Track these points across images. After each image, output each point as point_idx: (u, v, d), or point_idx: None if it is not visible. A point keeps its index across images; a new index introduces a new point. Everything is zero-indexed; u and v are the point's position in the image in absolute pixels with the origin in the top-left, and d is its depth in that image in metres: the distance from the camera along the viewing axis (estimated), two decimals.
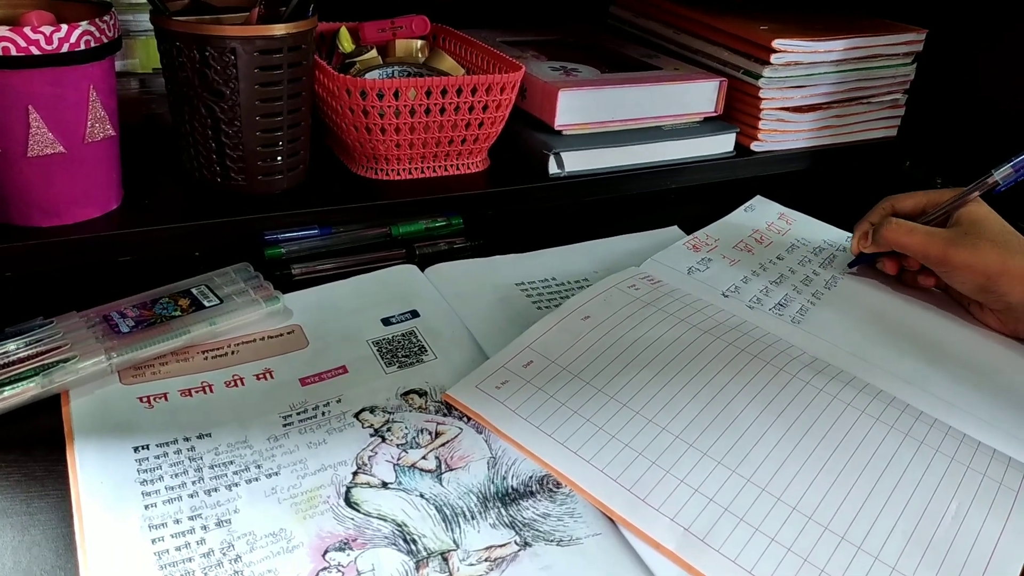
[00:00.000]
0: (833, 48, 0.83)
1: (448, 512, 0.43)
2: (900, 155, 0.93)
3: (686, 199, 0.82)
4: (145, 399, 0.49)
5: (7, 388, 0.46)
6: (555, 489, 0.45)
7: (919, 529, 0.42)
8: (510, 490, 0.45)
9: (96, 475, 0.43)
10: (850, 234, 0.74)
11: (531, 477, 0.45)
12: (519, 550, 0.41)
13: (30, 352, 0.49)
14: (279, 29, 0.62)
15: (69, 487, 0.42)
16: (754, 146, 0.85)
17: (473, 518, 0.43)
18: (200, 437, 0.46)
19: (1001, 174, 0.62)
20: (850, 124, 0.90)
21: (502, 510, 0.43)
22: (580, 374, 0.50)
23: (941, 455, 0.47)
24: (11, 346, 0.49)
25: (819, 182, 0.88)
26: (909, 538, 0.42)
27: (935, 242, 0.60)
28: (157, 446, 0.45)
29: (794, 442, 0.47)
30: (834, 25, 0.86)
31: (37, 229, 0.60)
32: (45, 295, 0.57)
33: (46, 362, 0.48)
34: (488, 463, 0.46)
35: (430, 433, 0.48)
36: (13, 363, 0.48)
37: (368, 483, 0.44)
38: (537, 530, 0.42)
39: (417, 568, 0.40)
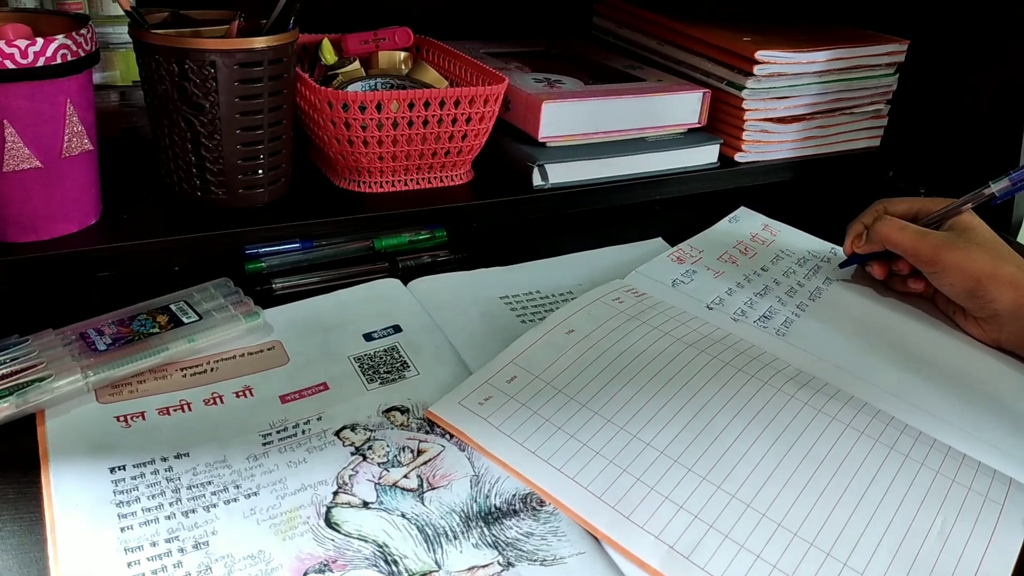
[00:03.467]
0: (816, 59, 0.83)
1: (430, 532, 0.42)
2: (883, 165, 0.94)
3: (670, 210, 0.82)
4: (122, 418, 0.48)
5: None
6: (539, 507, 0.44)
7: (904, 545, 0.42)
8: (493, 509, 0.44)
9: (71, 497, 0.42)
10: (833, 245, 0.75)
11: (514, 495, 0.45)
12: (502, 571, 0.41)
13: (4, 371, 0.48)
14: (259, 42, 0.61)
15: (43, 510, 0.42)
16: (738, 157, 0.85)
17: (455, 538, 0.42)
18: (178, 457, 0.46)
19: (998, 187, 0.62)
20: (833, 135, 0.90)
21: (485, 529, 0.43)
22: (564, 389, 0.50)
23: (926, 468, 0.47)
24: None
25: (803, 193, 0.88)
26: (895, 555, 0.42)
27: (926, 242, 0.61)
28: (134, 467, 0.45)
29: (779, 457, 0.46)
30: (817, 36, 0.87)
31: (13, 245, 0.59)
32: (21, 312, 0.56)
33: (20, 381, 0.47)
34: (471, 481, 0.46)
35: (412, 451, 0.47)
36: None
37: (349, 503, 0.44)
38: (520, 550, 0.42)
39: None
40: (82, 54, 0.57)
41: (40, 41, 0.54)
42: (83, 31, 0.57)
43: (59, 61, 0.55)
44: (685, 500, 0.43)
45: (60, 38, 0.55)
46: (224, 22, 0.66)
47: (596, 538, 0.42)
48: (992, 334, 0.61)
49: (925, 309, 0.65)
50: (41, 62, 0.54)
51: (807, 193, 0.88)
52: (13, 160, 0.56)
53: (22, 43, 0.53)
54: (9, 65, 0.53)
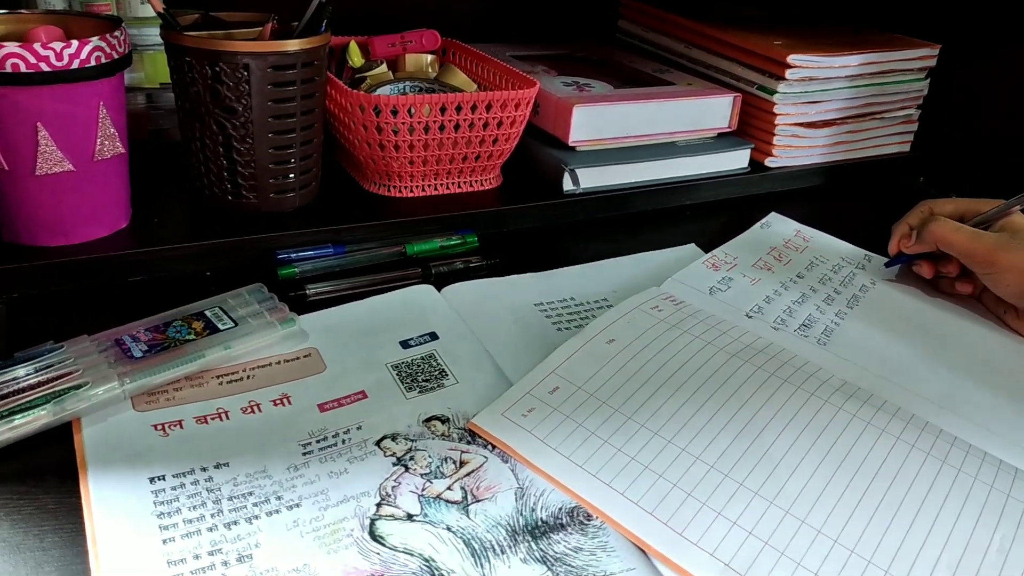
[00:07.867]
0: (848, 63, 0.83)
1: (477, 546, 0.41)
2: (914, 170, 0.93)
3: (701, 215, 0.81)
4: (160, 427, 0.47)
5: (17, 416, 0.45)
6: (586, 521, 0.43)
7: (964, 562, 0.41)
8: (540, 523, 0.43)
9: (111, 508, 0.41)
10: (867, 251, 0.74)
11: (560, 508, 0.44)
12: None
13: (40, 378, 0.47)
14: (292, 45, 0.61)
15: (83, 520, 0.41)
16: (768, 162, 0.84)
17: (503, 552, 0.41)
18: (217, 467, 0.45)
19: None
20: (864, 139, 0.89)
21: (532, 544, 0.42)
22: (608, 400, 0.49)
23: (980, 483, 0.46)
24: (21, 372, 0.48)
25: (833, 198, 0.87)
26: (954, 572, 0.41)
27: (982, 243, 0.60)
28: (173, 476, 0.44)
29: (830, 471, 0.45)
30: (848, 41, 0.86)
31: (45, 249, 0.58)
32: (54, 318, 0.56)
33: (57, 389, 0.47)
34: (516, 494, 0.45)
35: (454, 462, 0.46)
36: (23, 390, 0.46)
37: (393, 515, 0.43)
38: (569, 565, 0.41)
39: None
40: (115, 56, 0.56)
41: (75, 43, 0.53)
42: (116, 33, 0.56)
43: (93, 63, 0.54)
44: (738, 516, 0.42)
45: (95, 40, 0.54)
46: (253, 24, 0.66)
47: (645, 553, 0.41)
48: None
49: (971, 309, 0.65)
50: (76, 64, 0.54)
51: (837, 199, 0.87)
52: (46, 163, 0.55)
53: (57, 45, 0.52)
54: (44, 68, 0.53)
